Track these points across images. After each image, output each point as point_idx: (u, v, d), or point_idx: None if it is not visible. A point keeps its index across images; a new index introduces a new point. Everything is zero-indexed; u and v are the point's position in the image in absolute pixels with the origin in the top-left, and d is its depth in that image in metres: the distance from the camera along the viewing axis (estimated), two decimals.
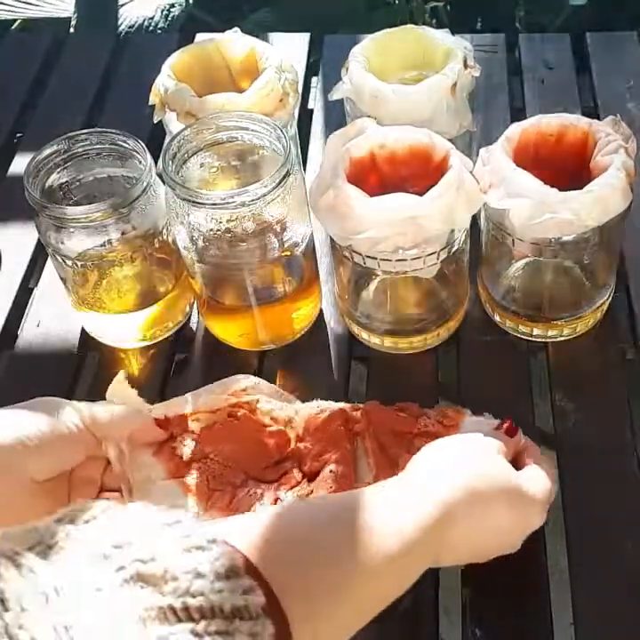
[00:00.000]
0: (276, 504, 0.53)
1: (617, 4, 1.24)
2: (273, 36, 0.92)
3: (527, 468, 0.51)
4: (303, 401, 0.59)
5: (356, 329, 0.66)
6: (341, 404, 0.57)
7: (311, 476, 0.55)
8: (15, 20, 1.34)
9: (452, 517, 0.44)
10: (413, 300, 0.66)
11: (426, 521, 0.43)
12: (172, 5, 1.24)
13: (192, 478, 0.54)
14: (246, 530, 0.37)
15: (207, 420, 0.56)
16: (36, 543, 0.32)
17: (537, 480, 0.50)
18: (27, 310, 0.70)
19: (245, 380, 0.59)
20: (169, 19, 1.24)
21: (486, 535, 0.47)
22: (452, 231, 0.56)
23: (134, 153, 0.60)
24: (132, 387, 0.65)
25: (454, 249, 0.57)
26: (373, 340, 0.65)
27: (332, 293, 0.69)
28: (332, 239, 0.59)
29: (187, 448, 0.55)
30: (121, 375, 0.57)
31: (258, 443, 0.56)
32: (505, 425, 0.53)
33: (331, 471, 0.54)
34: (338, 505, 0.43)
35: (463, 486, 0.45)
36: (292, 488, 0.54)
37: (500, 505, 0.47)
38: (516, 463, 0.51)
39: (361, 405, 0.57)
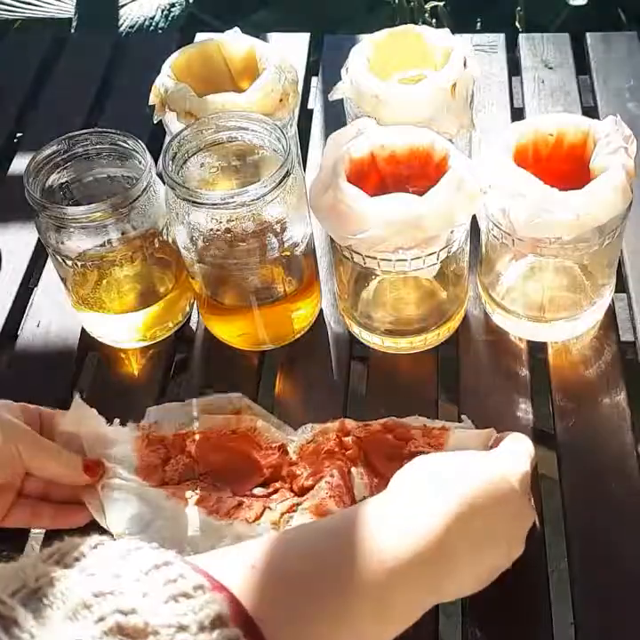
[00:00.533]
0: (263, 513, 0.54)
1: (617, 4, 1.24)
2: (273, 35, 0.92)
3: (501, 445, 0.51)
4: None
5: (356, 329, 0.66)
6: (334, 425, 0.57)
7: (302, 494, 0.55)
8: (15, 21, 1.34)
9: (446, 539, 0.42)
10: (413, 300, 0.66)
11: (418, 547, 0.41)
12: (173, 5, 1.24)
13: (179, 489, 0.55)
14: (236, 567, 0.37)
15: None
16: (20, 587, 0.32)
17: (514, 462, 0.48)
18: (27, 310, 0.70)
19: (238, 401, 0.59)
20: (169, 19, 1.23)
21: (486, 548, 0.45)
22: (452, 231, 0.56)
23: (134, 153, 0.60)
24: (132, 386, 0.66)
25: (454, 249, 0.57)
26: (373, 340, 0.65)
27: (332, 293, 0.69)
28: (331, 239, 0.59)
29: (178, 469, 0.56)
30: (77, 399, 0.58)
31: (251, 461, 0.56)
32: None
33: (326, 482, 0.54)
34: (332, 531, 0.42)
35: (451, 508, 0.43)
36: (282, 501, 0.54)
37: (492, 514, 0.45)
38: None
39: (353, 424, 0.57)
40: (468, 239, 0.60)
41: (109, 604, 0.31)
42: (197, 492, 0.54)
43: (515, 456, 0.49)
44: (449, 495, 0.44)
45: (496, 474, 0.47)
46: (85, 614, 0.31)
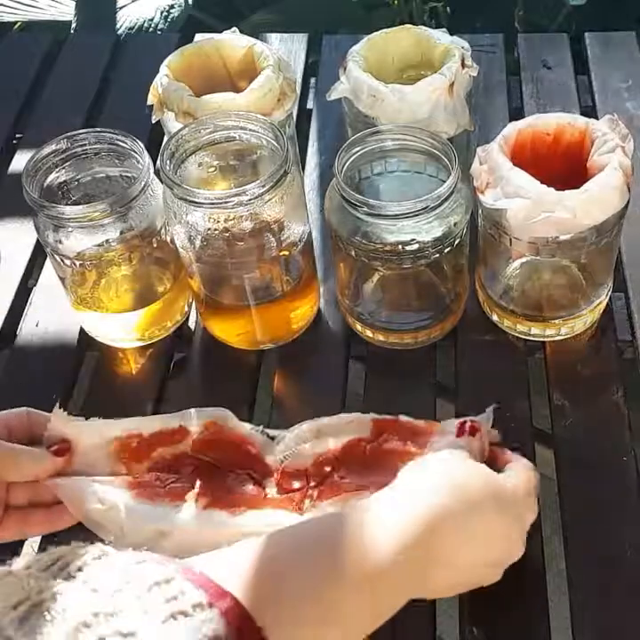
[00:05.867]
0: (259, 490, 0.54)
1: (616, 4, 1.24)
2: (272, 36, 0.92)
3: (506, 468, 0.50)
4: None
5: (358, 326, 0.66)
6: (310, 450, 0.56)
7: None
8: (16, 23, 1.34)
9: (436, 533, 0.43)
10: (414, 295, 0.66)
11: (407, 541, 0.42)
12: (172, 7, 1.24)
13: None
14: (236, 569, 0.37)
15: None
16: (24, 599, 0.32)
17: (517, 474, 0.49)
18: (26, 309, 0.71)
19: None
20: (168, 20, 1.24)
21: (481, 545, 0.46)
22: (455, 224, 0.57)
23: (132, 152, 0.61)
24: (130, 386, 0.66)
25: (456, 242, 0.58)
26: (377, 337, 0.65)
27: (331, 293, 0.69)
28: (332, 237, 0.60)
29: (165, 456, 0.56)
30: (56, 410, 0.56)
31: (244, 452, 0.56)
32: (465, 426, 0.53)
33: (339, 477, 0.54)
34: (321, 531, 0.43)
35: (441, 503, 0.44)
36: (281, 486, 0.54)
37: (487, 509, 0.45)
38: (491, 466, 0.50)
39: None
40: (468, 233, 0.60)
41: (110, 625, 0.32)
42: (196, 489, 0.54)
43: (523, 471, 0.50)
44: (446, 490, 0.45)
45: (498, 478, 0.48)
46: (85, 634, 0.31)
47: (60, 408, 0.57)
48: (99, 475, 0.55)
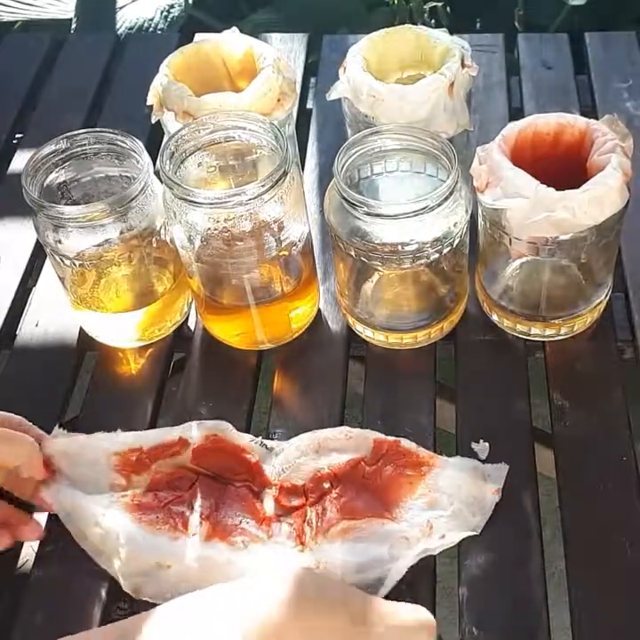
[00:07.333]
0: (259, 509, 0.55)
1: (616, 4, 1.24)
2: (271, 35, 0.92)
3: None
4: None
5: (358, 326, 0.66)
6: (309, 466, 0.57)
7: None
8: (16, 23, 1.34)
9: None
10: (413, 295, 0.66)
11: None
12: (172, 6, 1.24)
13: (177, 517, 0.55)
14: None
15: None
16: None
17: None
18: (25, 310, 0.71)
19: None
20: (168, 20, 1.24)
21: None
22: (456, 224, 0.56)
23: (132, 152, 0.61)
24: (130, 386, 0.66)
25: (456, 242, 0.58)
26: (377, 337, 0.65)
27: (330, 293, 0.69)
28: (332, 237, 0.60)
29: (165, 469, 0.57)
30: (57, 430, 0.59)
31: (244, 463, 0.57)
32: None
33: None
34: None
35: None
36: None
37: None
38: None
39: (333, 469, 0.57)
40: (468, 233, 0.60)
41: None
42: (198, 511, 0.54)
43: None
44: None
45: None
46: None
47: (60, 428, 0.59)
48: (98, 489, 0.55)
